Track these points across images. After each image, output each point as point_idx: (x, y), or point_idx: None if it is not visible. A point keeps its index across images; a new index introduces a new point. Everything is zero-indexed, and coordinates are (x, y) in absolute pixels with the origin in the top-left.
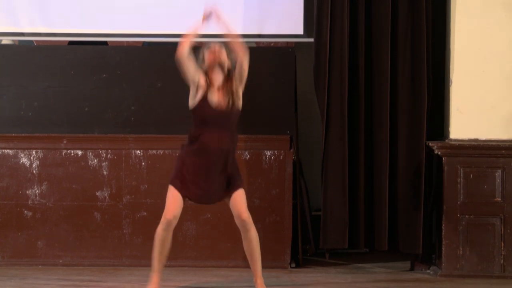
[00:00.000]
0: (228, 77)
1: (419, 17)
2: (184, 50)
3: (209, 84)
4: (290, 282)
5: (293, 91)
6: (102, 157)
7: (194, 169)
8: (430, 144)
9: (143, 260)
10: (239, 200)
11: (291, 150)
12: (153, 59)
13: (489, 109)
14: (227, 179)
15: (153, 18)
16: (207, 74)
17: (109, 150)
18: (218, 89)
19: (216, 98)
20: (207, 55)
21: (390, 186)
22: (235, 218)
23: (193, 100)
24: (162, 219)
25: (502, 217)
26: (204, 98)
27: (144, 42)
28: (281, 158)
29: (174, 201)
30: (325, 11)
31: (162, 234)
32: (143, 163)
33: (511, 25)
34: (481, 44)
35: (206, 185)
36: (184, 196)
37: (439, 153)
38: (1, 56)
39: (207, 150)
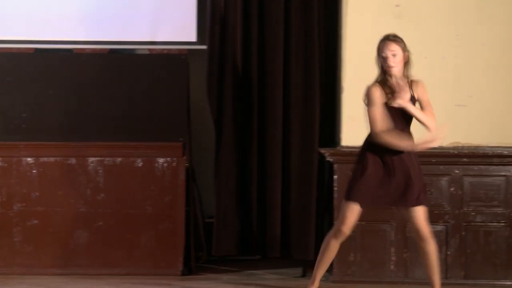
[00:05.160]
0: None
1: (312, 25)
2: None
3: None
4: None
5: (186, 98)
6: None
7: None
8: (322, 151)
9: (34, 268)
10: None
11: (184, 157)
12: (44, 66)
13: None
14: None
15: (44, 25)
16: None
17: (0, 158)
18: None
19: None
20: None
21: (282, 193)
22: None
23: None
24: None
25: (393, 223)
26: None
27: (36, 49)
28: (174, 165)
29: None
30: (217, 18)
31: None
32: (34, 171)
33: (401, 34)
34: (372, 52)
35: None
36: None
37: (331, 160)
38: None
39: None
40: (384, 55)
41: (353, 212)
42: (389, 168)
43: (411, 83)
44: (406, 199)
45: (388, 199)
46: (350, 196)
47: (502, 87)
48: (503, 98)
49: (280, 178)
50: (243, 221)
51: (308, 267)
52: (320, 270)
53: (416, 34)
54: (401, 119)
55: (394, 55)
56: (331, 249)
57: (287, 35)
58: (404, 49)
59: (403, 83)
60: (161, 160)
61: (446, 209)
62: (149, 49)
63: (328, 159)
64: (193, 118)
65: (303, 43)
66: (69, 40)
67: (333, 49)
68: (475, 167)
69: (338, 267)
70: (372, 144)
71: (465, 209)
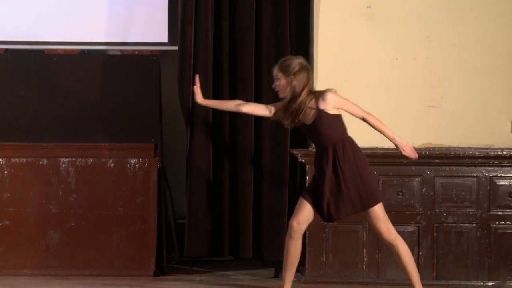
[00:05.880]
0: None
1: (283, 27)
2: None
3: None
4: None
5: (158, 99)
6: None
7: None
8: (294, 151)
9: (5, 269)
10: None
11: (156, 158)
12: (15, 66)
13: (351, 117)
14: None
15: (15, 25)
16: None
17: None
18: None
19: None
20: None
21: (254, 194)
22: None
23: None
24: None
25: (365, 224)
26: None
27: (6, 50)
28: (146, 166)
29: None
30: (189, 19)
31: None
32: (6, 172)
33: (372, 35)
34: (343, 54)
35: None
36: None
37: (303, 160)
38: None
39: None
40: None
41: (302, 208)
42: (327, 177)
43: (318, 100)
44: (347, 207)
45: (331, 207)
46: (302, 193)
47: (473, 88)
48: (475, 99)
49: (252, 178)
50: (215, 221)
51: (280, 268)
52: (287, 272)
53: (388, 35)
54: (312, 130)
55: (276, 79)
56: (289, 248)
57: (258, 36)
58: (287, 73)
59: (308, 103)
60: (133, 161)
61: (418, 210)
62: (121, 50)
63: (300, 159)
64: (165, 119)
65: (275, 44)
66: (40, 40)
67: (305, 51)
68: (447, 168)
69: (310, 268)
70: (315, 152)
71: (437, 210)
